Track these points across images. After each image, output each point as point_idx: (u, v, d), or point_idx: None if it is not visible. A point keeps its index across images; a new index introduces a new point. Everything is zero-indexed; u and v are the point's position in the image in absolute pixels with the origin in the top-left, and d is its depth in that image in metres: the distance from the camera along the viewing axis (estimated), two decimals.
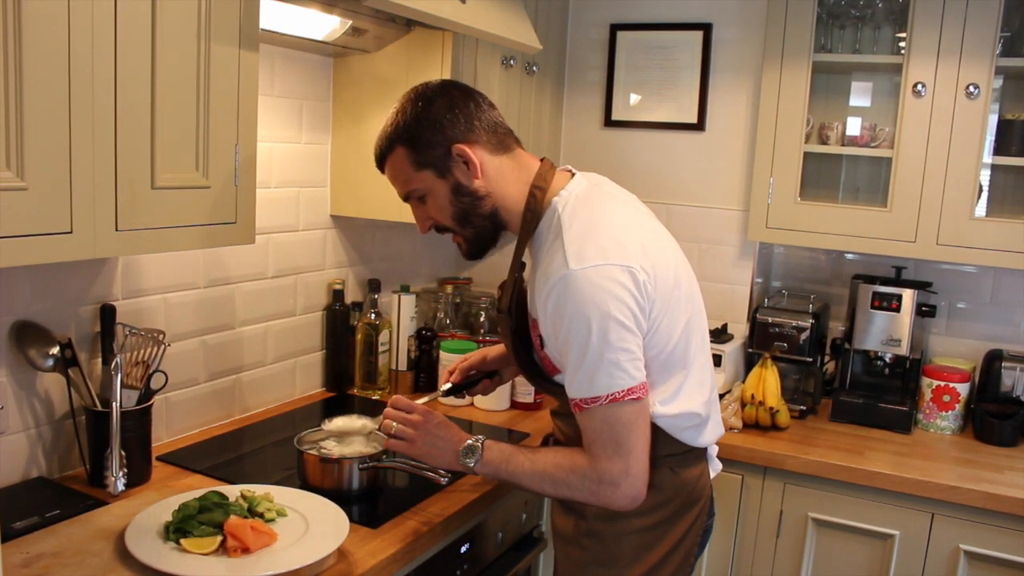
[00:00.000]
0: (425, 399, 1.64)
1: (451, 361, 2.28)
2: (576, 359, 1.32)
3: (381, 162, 1.48)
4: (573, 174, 1.49)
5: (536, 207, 1.43)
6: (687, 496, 1.49)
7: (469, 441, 1.46)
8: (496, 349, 1.81)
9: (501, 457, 1.44)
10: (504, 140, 1.45)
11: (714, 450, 1.62)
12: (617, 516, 1.45)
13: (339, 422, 1.76)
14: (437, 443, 1.49)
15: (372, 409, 2.26)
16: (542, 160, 1.49)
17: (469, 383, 1.80)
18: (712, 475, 1.60)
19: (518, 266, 1.50)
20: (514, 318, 1.50)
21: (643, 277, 1.32)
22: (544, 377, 1.51)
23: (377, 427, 1.60)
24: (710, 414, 1.51)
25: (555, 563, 1.60)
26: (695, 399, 1.45)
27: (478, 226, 1.46)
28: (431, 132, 1.40)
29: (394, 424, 1.52)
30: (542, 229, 1.43)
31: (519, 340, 1.51)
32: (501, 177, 1.43)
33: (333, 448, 1.71)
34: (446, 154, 1.40)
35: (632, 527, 1.46)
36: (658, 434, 1.42)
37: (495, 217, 1.45)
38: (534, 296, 1.41)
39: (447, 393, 1.79)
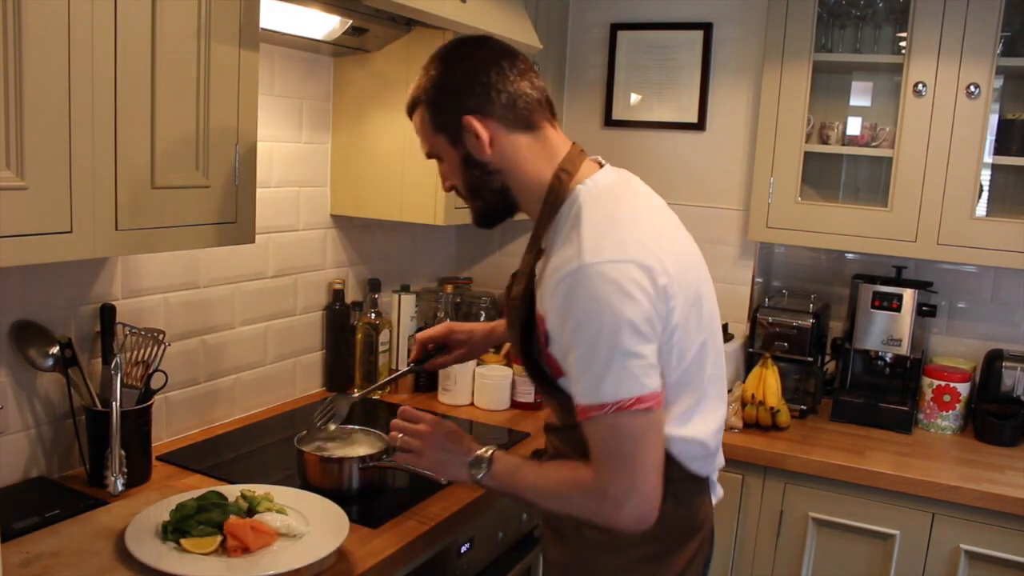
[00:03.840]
0: (386, 378, 1.79)
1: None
2: (582, 361, 1.22)
3: (411, 115, 1.44)
4: (602, 165, 1.41)
5: (560, 191, 1.34)
6: (688, 526, 1.39)
7: (479, 452, 1.40)
8: (469, 325, 1.78)
9: (508, 470, 1.37)
10: (527, 117, 1.35)
11: (715, 474, 1.50)
12: (612, 547, 1.36)
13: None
14: (446, 455, 1.45)
15: (372, 409, 2.27)
16: (573, 144, 1.40)
17: (426, 357, 1.76)
18: (714, 502, 1.48)
19: (535, 253, 1.39)
20: (525, 308, 1.39)
21: (664, 281, 1.22)
22: (547, 379, 1.40)
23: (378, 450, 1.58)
24: (718, 446, 1.42)
25: None
26: (706, 426, 1.35)
27: (488, 200, 1.41)
28: (446, 98, 1.34)
29: (400, 435, 1.49)
30: (561, 216, 1.34)
31: (526, 335, 1.40)
32: (516, 155, 1.35)
33: (333, 448, 1.71)
34: (458, 123, 1.34)
35: (628, 559, 1.35)
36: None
37: (505, 194, 1.39)
38: (543, 288, 1.31)
39: (409, 370, 1.81)
